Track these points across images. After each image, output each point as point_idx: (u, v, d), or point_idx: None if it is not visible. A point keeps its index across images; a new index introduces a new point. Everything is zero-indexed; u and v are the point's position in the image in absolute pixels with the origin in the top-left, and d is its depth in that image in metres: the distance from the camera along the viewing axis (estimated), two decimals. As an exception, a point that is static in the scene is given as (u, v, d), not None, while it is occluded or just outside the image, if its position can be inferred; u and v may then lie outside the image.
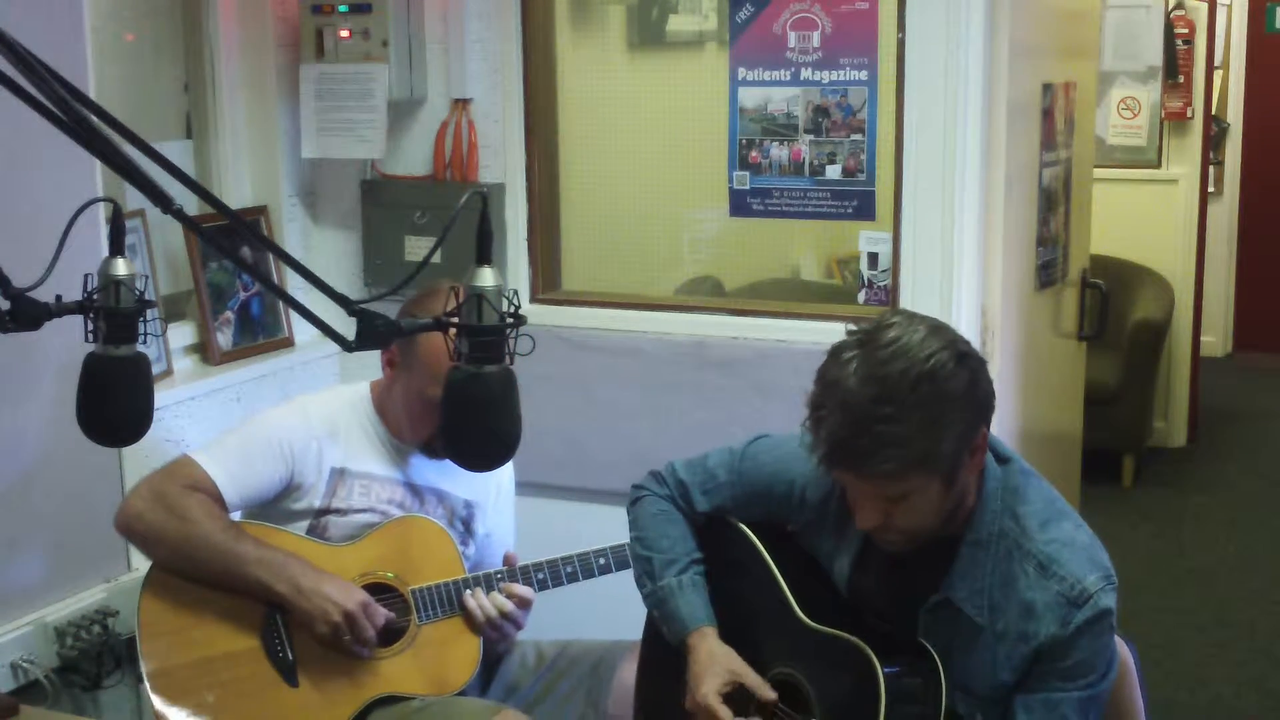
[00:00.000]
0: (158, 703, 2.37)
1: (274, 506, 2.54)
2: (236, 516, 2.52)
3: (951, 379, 1.83)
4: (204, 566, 2.41)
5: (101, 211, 2.47)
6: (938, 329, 1.88)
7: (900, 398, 1.80)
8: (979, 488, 1.96)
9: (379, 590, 2.49)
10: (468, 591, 2.53)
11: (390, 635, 2.48)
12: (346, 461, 2.56)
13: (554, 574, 2.59)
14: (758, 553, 2.19)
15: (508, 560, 2.61)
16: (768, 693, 2.08)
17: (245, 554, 2.40)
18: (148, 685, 2.39)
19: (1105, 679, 1.93)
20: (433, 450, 2.57)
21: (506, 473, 2.77)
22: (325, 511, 2.54)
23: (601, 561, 2.60)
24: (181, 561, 2.42)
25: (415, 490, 2.62)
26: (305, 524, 2.53)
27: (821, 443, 1.86)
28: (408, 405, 2.55)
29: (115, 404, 1.56)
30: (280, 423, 2.55)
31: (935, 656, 1.96)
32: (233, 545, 2.40)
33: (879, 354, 1.83)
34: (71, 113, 1.26)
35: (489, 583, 2.55)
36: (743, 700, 2.10)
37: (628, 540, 2.36)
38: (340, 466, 2.56)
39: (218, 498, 2.45)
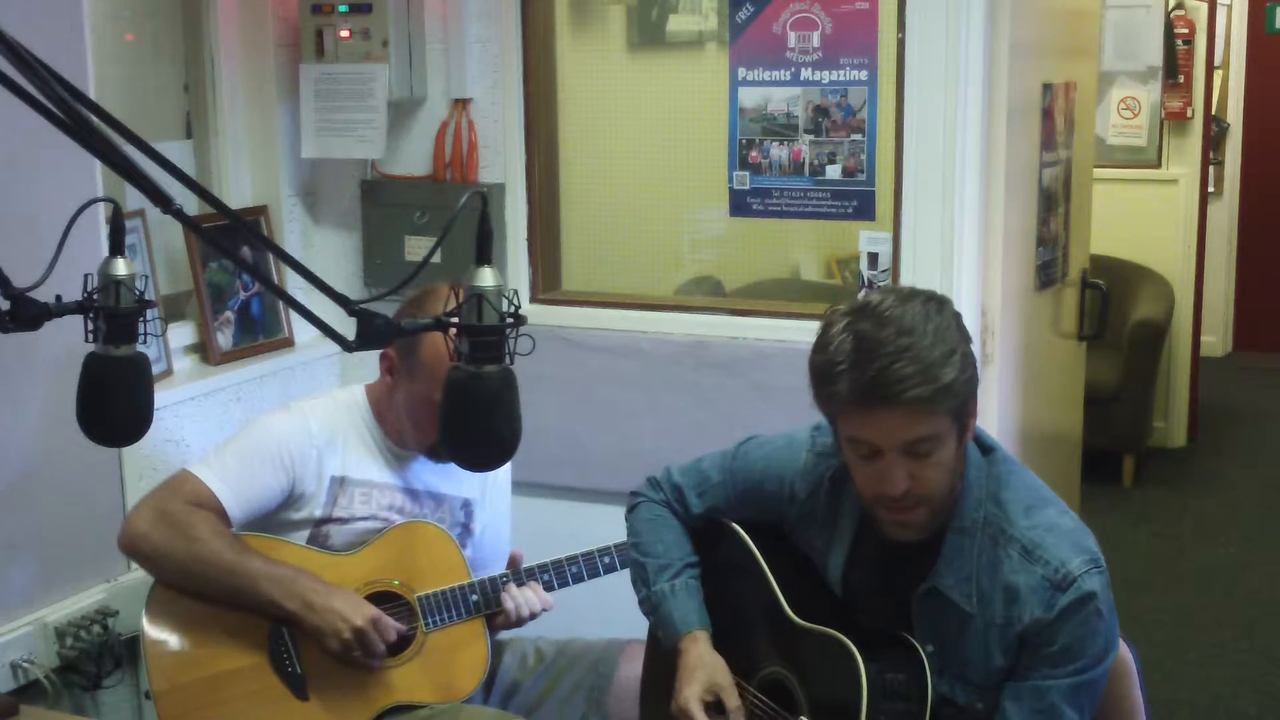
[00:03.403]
0: None
1: (273, 517, 2.51)
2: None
3: (954, 319, 1.88)
4: (212, 584, 2.39)
5: (101, 211, 2.46)
6: (915, 291, 1.92)
7: (920, 328, 1.83)
8: (962, 476, 1.97)
9: (385, 598, 2.47)
10: (503, 592, 2.52)
11: (398, 643, 2.46)
12: (346, 469, 2.55)
13: (559, 574, 2.59)
14: (751, 553, 2.19)
15: (513, 560, 2.60)
16: (738, 717, 2.09)
17: (254, 571, 2.38)
18: (156, 705, 2.37)
19: (1100, 664, 1.91)
20: (438, 454, 2.55)
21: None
22: (326, 520, 2.52)
23: (606, 560, 2.59)
24: (189, 580, 2.40)
25: (414, 495, 2.61)
26: (305, 533, 2.51)
27: (846, 392, 1.84)
28: (412, 411, 2.52)
29: (115, 404, 1.56)
30: (279, 431, 2.52)
31: (921, 652, 1.96)
32: (241, 562, 2.38)
33: (880, 310, 1.86)
34: (71, 113, 1.26)
35: (495, 586, 2.54)
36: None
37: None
38: (340, 475, 2.54)
39: (221, 513, 2.43)
